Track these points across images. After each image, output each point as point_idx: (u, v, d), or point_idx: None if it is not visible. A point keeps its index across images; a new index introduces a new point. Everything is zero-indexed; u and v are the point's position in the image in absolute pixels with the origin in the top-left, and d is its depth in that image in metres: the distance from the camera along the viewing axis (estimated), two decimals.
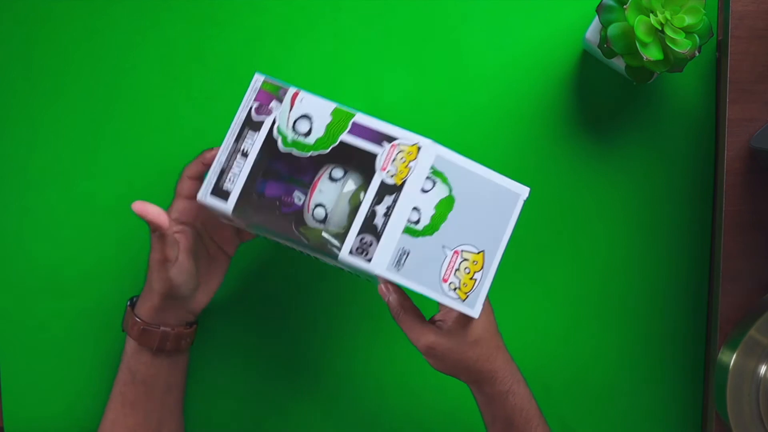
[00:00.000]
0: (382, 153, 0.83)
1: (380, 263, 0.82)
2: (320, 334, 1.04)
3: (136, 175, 1.03)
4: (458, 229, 0.84)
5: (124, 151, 1.03)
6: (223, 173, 0.86)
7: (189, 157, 1.03)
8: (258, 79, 0.86)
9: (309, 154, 0.85)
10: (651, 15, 0.90)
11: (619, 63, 0.96)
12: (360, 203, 0.83)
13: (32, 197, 1.03)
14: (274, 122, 0.86)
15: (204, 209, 0.92)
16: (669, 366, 1.04)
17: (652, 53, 0.90)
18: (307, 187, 0.85)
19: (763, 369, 0.94)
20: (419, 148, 0.83)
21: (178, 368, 0.96)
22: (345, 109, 0.84)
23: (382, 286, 0.86)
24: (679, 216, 1.03)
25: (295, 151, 0.85)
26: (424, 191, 0.83)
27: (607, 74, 1.02)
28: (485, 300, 0.88)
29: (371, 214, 0.82)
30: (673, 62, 0.91)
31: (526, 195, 0.85)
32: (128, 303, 0.96)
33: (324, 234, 0.84)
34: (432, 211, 0.83)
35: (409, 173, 0.82)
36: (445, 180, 0.83)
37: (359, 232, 0.82)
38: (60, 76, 1.03)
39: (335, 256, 0.83)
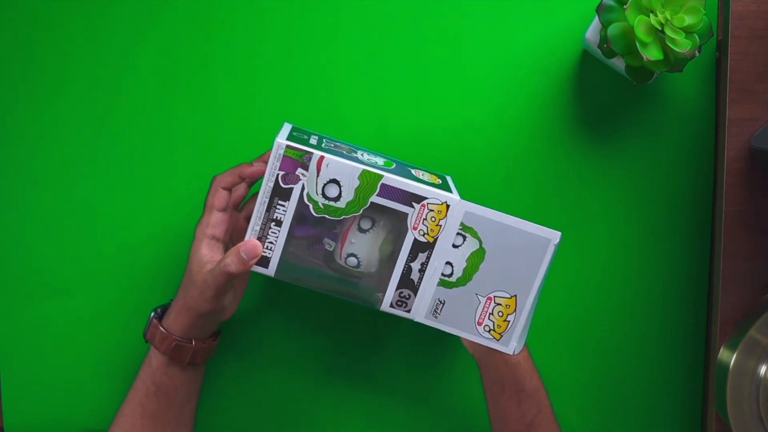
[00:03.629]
0: (413, 213, 0.87)
1: (419, 314, 0.89)
2: (331, 336, 1.04)
3: (136, 175, 1.03)
4: (490, 277, 0.88)
5: (124, 151, 1.03)
6: (260, 241, 0.88)
7: (189, 157, 1.03)
8: (280, 145, 0.86)
9: (342, 218, 0.87)
10: (651, 15, 0.90)
11: (619, 63, 0.96)
12: (391, 251, 0.88)
13: (32, 197, 1.03)
14: (303, 188, 0.87)
15: (231, 221, 0.93)
16: (669, 366, 1.04)
17: (652, 53, 0.90)
18: (333, 229, 0.88)
19: (763, 369, 0.94)
20: (448, 207, 0.87)
21: (198, 378, 0.96)
22: (372, 170, 0.86)
23: None
24: (679, 216, 1.03)
25: (328, 216, 0.87)
26: (456, 246, 0.88)
27: (607, 74, 1.02)
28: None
29: (407, 270, 0.88)
30: (673, 62, 0.91)
31: (558, 240, 0.88)
32: (153, 315, 0.94)
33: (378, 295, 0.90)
34: (464, 264, 0.88)
35: (440, 231, 0.87)
36: (474, 234, 0.87)
37: (397, 287, 0.88)
38: (60, 76, 1.03)
39: (376, 307, 0.89)
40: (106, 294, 1.04)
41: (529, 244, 0.87)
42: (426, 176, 0.91)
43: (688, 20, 0.90)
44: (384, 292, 0.88)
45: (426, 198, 0.87)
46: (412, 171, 0.91)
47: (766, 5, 0.96)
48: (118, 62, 1.02)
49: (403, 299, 0.89)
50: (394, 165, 0.90)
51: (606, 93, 1.02)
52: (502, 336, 0.89)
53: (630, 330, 1.03)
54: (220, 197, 0.91)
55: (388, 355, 1.04)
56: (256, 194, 0.96)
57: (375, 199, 0.87)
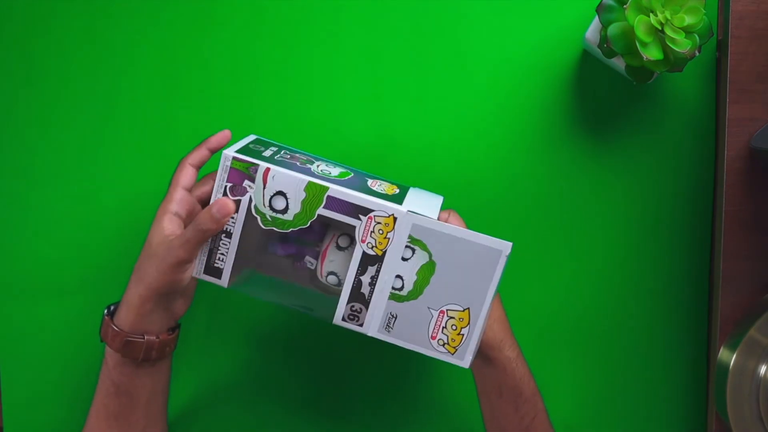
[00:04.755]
0: (360, 225, 0.86)
1: (371, 328, 0.88)
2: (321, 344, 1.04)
3: (136, 175, 1.03)
4: (442, 291, 0.87)
5: (124, 151, 1.03)
6: (212, 252, 0.88)
7: None
8: (227, 157, 0.86)
9: (289, 230, 0.87)
10: (651, 15, 0.90)
11: (619, 63, 0.96)
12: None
13: (33, 197, 1.03)
14: (250, 200, 0.87)
15: (196, 203, 0.91)
16: (669, 366, 1.04)
17: (652, 53, 0.90)
18: (313, 246, 0.89)
19: (763, 369, 0.94)
20: (395, 219, 0.85)
21: (162, 375, 0.92)
22: (318, 182, 0.86)
23: None
24: (679, 216, 1.03)
25: (276, 229, 0.87)
26: (405, 259, 0.86)
27: (607, 74, 1.02)
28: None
29: (357, 284, 0.87)
30: (673, 62, 0.91)
31: (509, 251, 0.86)
32: (105, 312, 0.91)
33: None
34: (414, 277, 0.87)
35: (388, 244, 0.86)
36: (424, 247, 0.86)
37: (348, 301, 0.87)
38: (60, 76, 1.03)
39: (329, 320, 0.88)
40: (106, 294, 1.04)
41: (479, 255, 0.86)
42: (383, 187, 0.89)
43: (688, 20, 0.90)
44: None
45: (372, 210, 0.85)
46: (369, 182, 0.90)
47: (766, 5, 0.96)
48: (118, 62, 1.02)
49: (355, 313, 0.87)
50: (352, 175, 0.90)
51: (606, 93, 1.02)
52: (456, 350, 0.88)
53: (630, 330, 1.03)
54: (186, 174, 0.89)
55: (377, 361, 1.04)
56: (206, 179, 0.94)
57: (322, 211, 0.86)
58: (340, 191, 0.85)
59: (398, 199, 0.87)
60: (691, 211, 1.03)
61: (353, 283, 0.87)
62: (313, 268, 0.91)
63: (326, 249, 0.90)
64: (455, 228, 0.85)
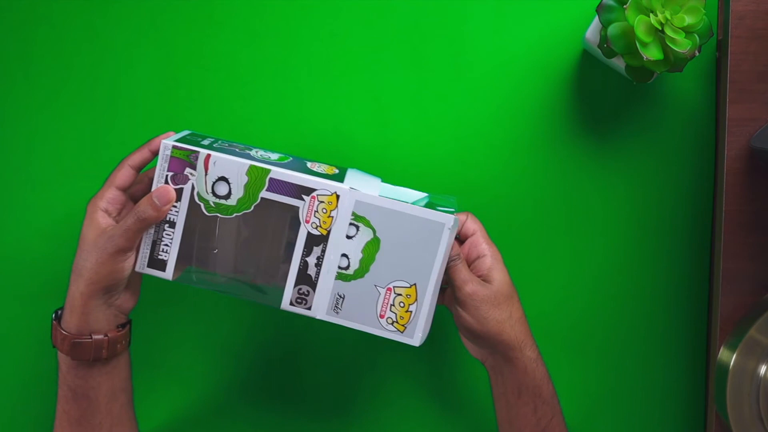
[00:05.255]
0: (304, 206, 0.86)
1: (319, 310, 0.87)
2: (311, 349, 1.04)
3: None
4: (388, 268, 0.87)
5: (124, 151, 1.03)
6: (155, 244, 0.87)
7: None
8: (167, 146, 0.86)
9: (233, 215, 0.86)
10: (651, 15, 0.90)
11: (619, 63, 0.96)
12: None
13: (32, 198, 1.03)
14: (193, 188, 0.86)
15: (128, 201, 0.90)
16: (669, 366, 1.04)
17: (652, 53, 0.90)
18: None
19: (763, 369, 0.94)
20: (338, 197, 0.85)
21: (120, 372, 0.90)
22: (260, 165, 0.86)
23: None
24: (679, 216, 1.03)
25: (220, 215, 0.86)
26: (350, 237, 0.86)
27: (607, 74, 1.02)
28: (503, 277, 0.91)
29: (303, 266, 0.86)
30: (673, 62, 0.91)
31: (452, 223, 0.86)
32: (54, 317, 0.90)
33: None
34: (360, 255, 0.87)
35: (332, 222, 0.86)
36: (368, 223, 0.86)
37: (295, 284, 0.87)
38: (60, 76, 1.03)
39: (278, 306, 0.87)
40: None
41: (423, 230, 0.86)
42: (322, 168, 0.89)
43: (688, 20, 0.90)
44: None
45: (315, 189, 0.86)
46: (308, 164, 0.89)
47: (766, 5, 0.96)
48: (118, 62, 1.02)
49: (303, 296, 0.87)
50: (290, 159, 0.89)
51: (606, 93, 1.02)
52: (406, 328, 0.88)
53: (630, 330, 1.03)
54: (122, 174, 0.88)
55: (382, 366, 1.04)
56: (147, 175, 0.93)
57: (265, 194, 0.86)
58: (282, 173, 0.85)
59: (339, 178, 0.87)
60: (691, 211, 1.03)
61: (299, 266, 0.86)
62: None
63: None
64: (398, 203, 0.86)
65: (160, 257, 0.87)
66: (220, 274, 0.88)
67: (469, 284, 0.89)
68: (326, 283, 0.87)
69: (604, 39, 0.93)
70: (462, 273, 0.89)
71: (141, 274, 0.91)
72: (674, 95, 1.02)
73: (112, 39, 1.02)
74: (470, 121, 1.02)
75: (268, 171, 0.85)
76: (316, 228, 0.86)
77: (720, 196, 0.98)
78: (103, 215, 0.87)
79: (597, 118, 1.02)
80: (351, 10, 1.02)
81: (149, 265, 0.88)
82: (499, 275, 0.91)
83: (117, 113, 1.03)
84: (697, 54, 0.92)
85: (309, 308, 0.87)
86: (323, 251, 0.86)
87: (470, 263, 0.93)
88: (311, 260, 0.86)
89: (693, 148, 1.02)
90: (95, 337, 0.87)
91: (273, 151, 0.92)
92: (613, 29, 0.91)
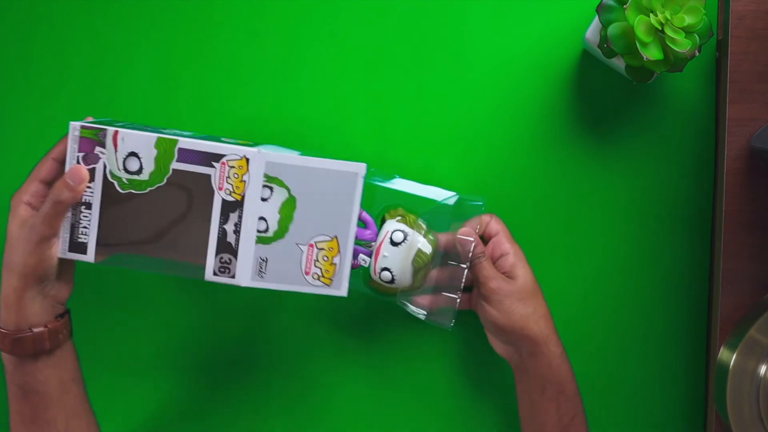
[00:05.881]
0: (215, 173, 0.86)
1: (244, 277, 0.87)
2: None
3: None
4: (307, 224, 0.87)
5: None
6: (74, 228, 0.87)
7: None
8: (75, 127, 0.86)
9: (147, 190, 0.86)
10: (651, 15, 0.90)
11: (619, 63, 0.96)
12: (423, 265, 0.90)
13: None
14: (104, 167, 0.86)
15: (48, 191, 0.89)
16: (669, 366, 1.04)
17: (652, 53, 0.90)
18: (367, 245, 0.91)
19: (763, 369, 0.94)
20: (248, 160, 0.85)
21: (67, 363, 0.90)
22: (167, 136, 0.86)
23: (466, 231, 0.92)
24: (679, 216, 1.03)
25: (134, 191, 0.86)
26: (264, 199, 0.86)
27: (607, 74, 1.02)
28: (524, 268, 0.93)
29: (222, 234, 0.86)
30: (673, 62, 0.91)
31: (364, 171, 0.87)
32: None
33: (401, 300, 0.92)
34: (277, 216, 0.87)
35: (245, 187, 0.86)
36: (281, 183, 0.86)
37: (216, 253, 0.86)
38: (60, 76, 1.03)
39: (203, 278, 0.87)
40: (106, 293, 1.03)
41: (336, 182, 0.87)
42: (235, 141, 0.90)
43: (688, 20, 0.90)
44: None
45: (224, 155, 0.85)
46: (221, 138, 0.90)
47: (766, 5, 0.96)
48: (118, 62, 1.03)
49: (225, 265, 0.87)
50: (204, 135, 0.90)
51: (606, 93, 1.02)
52: (332, 281, 0.88)
53: (629, 330, 1.03)
54: (46, 168, 0.88)
55: (385, 346, 1.04)
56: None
57: (176, 165, 0.86)
58: (189, 142, 0.86)
59: (250, 145, 0.88)
60: (691, 211, 1.03)
61: (218, 234, 0.86)
62: (366, 265, 0.92)
63: (380, 245, 0.91)
64: (308, 159, 0.86)
65: (80, 240, 0.87)
66: (142, 253, 0.87)
67: (493, 280, 0.92)
68: (247, 249, 0.87)
69: (604, 39, 0.93)
70: (486, 270, 0.92)
71: (74, 263, 0.90)
72: (674, 95, 1.02)
73: (112, 39, 1.02)
74: (470, 121, 1.02)
75: (176, 141, 0.85)
76: (229, 194, 0.86)
77: (720, 196, 0.98)
78: (26, 208, 0.87)
79: (597, 118, 1.02)
80: (351, 10, 1.02)
81: (70, 249, 0.88)
82: (522, 272, 0.93)
83: (117, 113, 1.03)
84: (697, 54, 0.92)
85: (233, 276, 0.87)
86: (240, 217, 0.86)
87: (494, 261, 0.95)
88: (229, 227, 0.86)
89: (693, 148, 1.02)
90: (35, 330, 0.87)
91: (187, 132, 0.92)
92: (613, 29, 0.91)
